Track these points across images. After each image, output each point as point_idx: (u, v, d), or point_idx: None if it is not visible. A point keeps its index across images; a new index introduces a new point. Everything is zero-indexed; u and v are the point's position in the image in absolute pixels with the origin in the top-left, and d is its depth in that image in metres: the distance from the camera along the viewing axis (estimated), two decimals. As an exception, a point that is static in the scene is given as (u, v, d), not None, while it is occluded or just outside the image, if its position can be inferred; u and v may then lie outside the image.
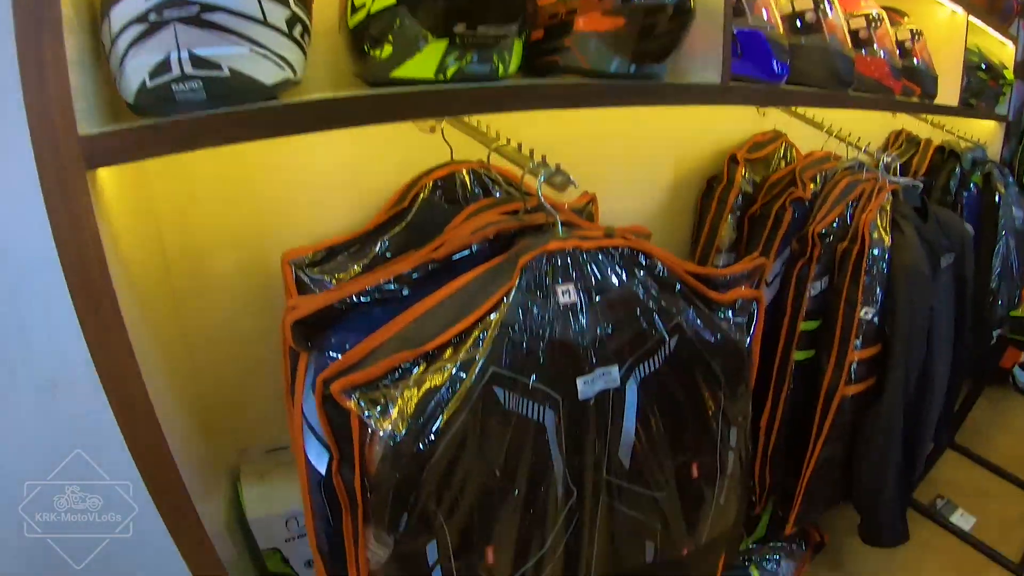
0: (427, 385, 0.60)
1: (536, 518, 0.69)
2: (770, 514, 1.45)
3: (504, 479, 0.64)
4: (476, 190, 0.96)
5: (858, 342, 1.10)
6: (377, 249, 0.88)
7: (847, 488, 1.26)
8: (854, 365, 1.11)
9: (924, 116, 1.84)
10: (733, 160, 1.26)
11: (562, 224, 0.70)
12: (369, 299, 0.67)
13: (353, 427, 0.59)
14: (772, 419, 1.21)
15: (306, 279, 0.81)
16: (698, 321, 0.73)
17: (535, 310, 0.64)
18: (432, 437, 0.59)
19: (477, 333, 0.62)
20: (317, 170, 0.91)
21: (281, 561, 0.92)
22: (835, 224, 1.13)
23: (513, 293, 0.64)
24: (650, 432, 0.73)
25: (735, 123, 1.36)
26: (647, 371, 0.70)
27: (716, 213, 1.26)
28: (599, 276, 0.68)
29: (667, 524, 0.81)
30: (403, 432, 0.58)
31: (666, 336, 0.70)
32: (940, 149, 1.81)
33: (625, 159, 1.20)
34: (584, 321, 0.66)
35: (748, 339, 0.79)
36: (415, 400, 0.59)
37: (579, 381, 0.66)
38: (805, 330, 1.15)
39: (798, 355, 1.17)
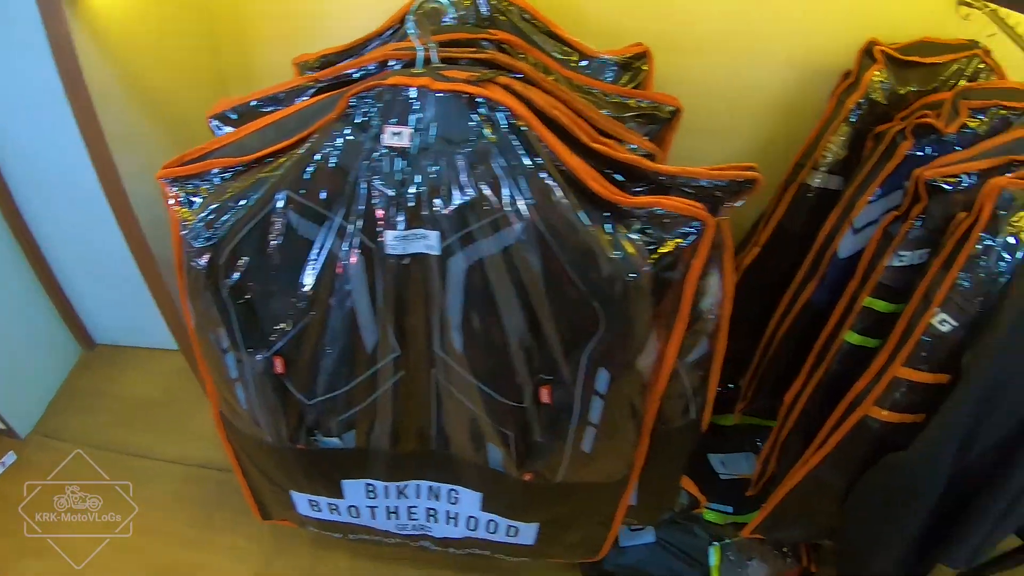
0: (227, 193, 0.64)
1: (338, 355, 0.70)
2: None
3: (295, 299, 0.66)
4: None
5: (922, 354, 0.79)
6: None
7: (833, 532, 0.98)
8: (900, 384, 0.79)
9: None
10: (868, 53, 0.93)
11: (433, 61, 0.62)
12: (270, 107, 0.71)
13: (171, 212, 0.67)
14: (795, 400, 0.98)
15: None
16: (556, 217, 0.60)
17: (357, 146, 0.61)
18: (215, 237, 0.64)
19: (284, 159, 0.63)
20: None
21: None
22: (965, 182, 0.79)
23: (334, 125, 0.61)
24: (486, 325, 0.67)
25: (921, 20, 0.97)
26: (481, 253, 0.63)
27: (827, 117, 0.96)
28: (447, 126, 0.60)
29: (511, 437, 0.74)
30: (192, 224, 0.65)
31: (508, 216, 0.60)
32: None
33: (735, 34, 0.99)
34: (407, 170, 0.60)
35: (646, 267, 0.60)
36: (211, 203, 0.64)
37: (388, 234, 0.62)
38: (871, 307, 0.87)
39: (852, 337, 0.89)
